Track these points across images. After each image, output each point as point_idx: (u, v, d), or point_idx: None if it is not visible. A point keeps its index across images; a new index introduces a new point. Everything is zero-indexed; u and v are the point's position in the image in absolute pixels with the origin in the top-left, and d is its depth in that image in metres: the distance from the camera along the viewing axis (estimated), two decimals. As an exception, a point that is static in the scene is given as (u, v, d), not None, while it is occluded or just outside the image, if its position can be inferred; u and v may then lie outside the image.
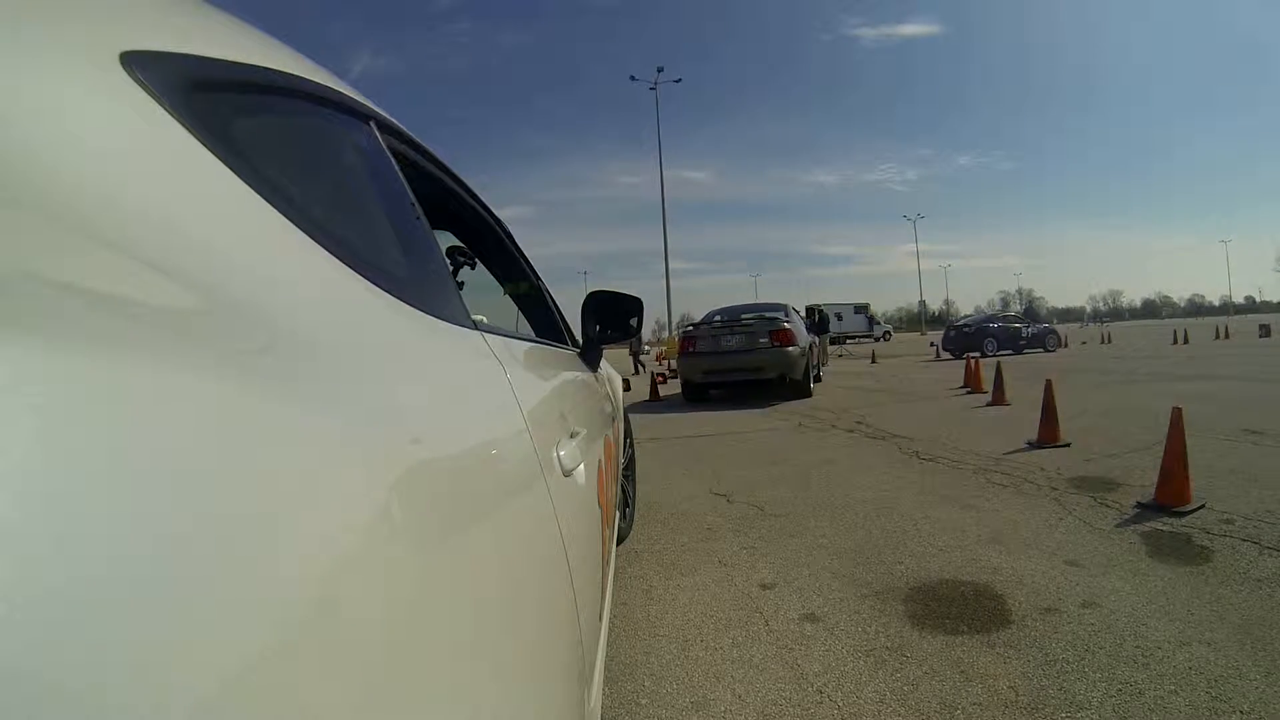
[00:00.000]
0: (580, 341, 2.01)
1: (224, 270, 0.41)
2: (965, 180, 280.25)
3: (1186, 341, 19.50)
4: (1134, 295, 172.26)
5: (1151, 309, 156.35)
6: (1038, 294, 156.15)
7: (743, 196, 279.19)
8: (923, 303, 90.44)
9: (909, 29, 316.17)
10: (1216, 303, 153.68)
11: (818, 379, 11.06)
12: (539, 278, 2.02)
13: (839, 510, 3.46)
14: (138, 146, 0.42)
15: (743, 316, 9.70)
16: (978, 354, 17.67)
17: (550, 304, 2.05)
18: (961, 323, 20.30)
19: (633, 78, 34.12)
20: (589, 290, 1.97)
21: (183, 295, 0.36)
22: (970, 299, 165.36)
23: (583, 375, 1.75)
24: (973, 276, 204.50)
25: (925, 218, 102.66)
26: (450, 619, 0.46)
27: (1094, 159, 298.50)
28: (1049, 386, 4.89)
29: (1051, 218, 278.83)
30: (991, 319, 19.99)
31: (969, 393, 8.52)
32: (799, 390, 9.17)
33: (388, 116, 0.96)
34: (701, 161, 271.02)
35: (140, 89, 0.43)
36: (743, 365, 8.99)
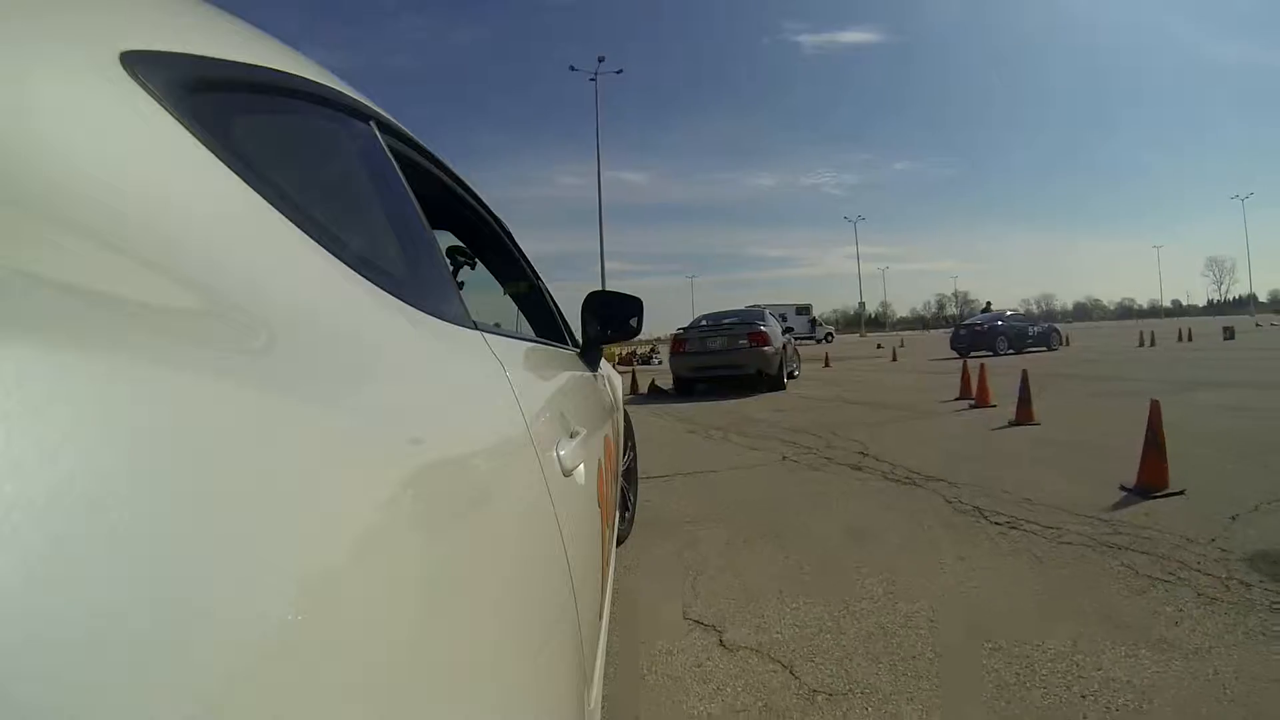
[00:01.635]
0: (580, 341, 2.00)
1: (224, 270, 0.41)
2: (902, 185, 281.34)
3: (1153, 344, 18.43)
4: (1066, 298, 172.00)
5: (1083, 311, 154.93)
6: (973, 296, 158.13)
7: (681, 199, 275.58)
8: (862, 304, 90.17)
9: (850, 36, 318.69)
10: (1145, 305, 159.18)
11: (792, 376, 12.42)
12: (539, 277, 2.01)
13: (944, 673, 1.81)
14: (137, 146, 0.41)
15: (724, 321, 11.12)
16: (989, 352, 17.05)
17: (550, 304, 2.04)
18: (973, 321, 19.14)
19: (572, 68, 33.25)
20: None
21: (183, 295, 0.36)
22: (907, 301, 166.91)
23: (583, 375, 1.74)
24: (909, 279, 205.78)
25: (865, 219, 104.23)
26: (450, 619, 0.45)
27: (1029, 166, 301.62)
28: (1155, 409, 3.46)
29: (987, 222, 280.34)
30: (999, 317, 18.96)
31: (972, 406, 7.12)
32: (774, 384, 10.49)
33: (388, 116, 0.95)
34: (640, 163, 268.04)
35: (140, 89, 0.43)
36: (725, 363, 10.39)
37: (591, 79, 32.33)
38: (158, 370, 0.29)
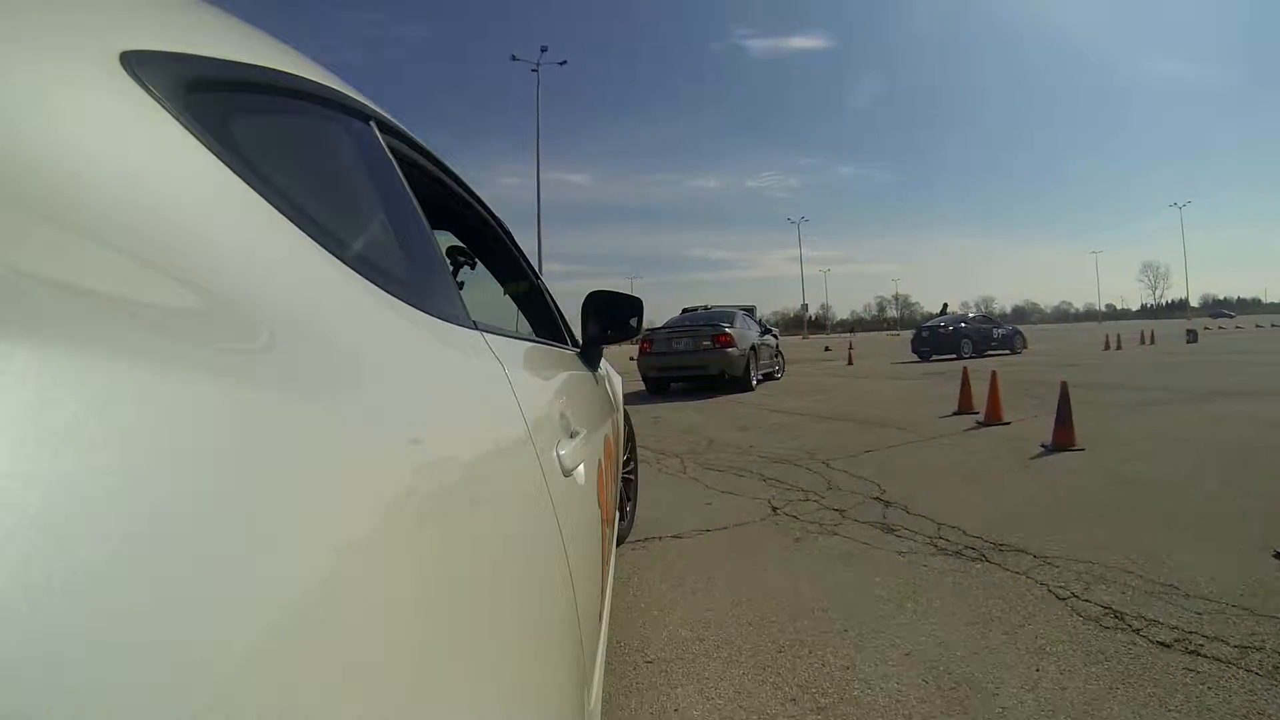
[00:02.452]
0: (580, 341, 2.00)
1: (224, 270, 0.41)
2: (845, 189, 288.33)
3: (1120, 347, 17.79)
4: (1005, 301, 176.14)
5: (1021, 315, 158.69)
6: (914, 299, 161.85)
7: (623, 200, 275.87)
8: (805, 306, 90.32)
9: (797, 41, 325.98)
10: (1081, 309, 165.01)
11: (772, 378, 12.63)
12: (539, 277, 2.00)
13: None
14: (137, 146, 0.41)
15: (691, 322, 11.41)
16: (953, 355, 16.12)
17: (550, 304, 2.03)
18: (935, 323, 17.62)
19: (514, 57, 31.94)
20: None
21: (183, 295, 0.36)
22: (847, 304, 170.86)
23: (583, 375, 1.73)
24: (850, 281, 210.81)
25: (809, 221, 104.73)
26: (450, 619, 0.45)
27: (970, 172, 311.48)
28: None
29: (928, 227, 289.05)
30: (963, 319, 17.78)
31: (981, 424, 5.79)
32: (739, 385, 10.50)
33: (388, 116, 0.94)
34: (582, 164, 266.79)
35: (140, 89, 0.43)
36: (688, 364, 10.48)
37: (533, 69, 31.32)
38: (158, 370, 0.29)
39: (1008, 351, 17.41)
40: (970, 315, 18.80)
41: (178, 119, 0.44)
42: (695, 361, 10.38)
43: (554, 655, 0.68)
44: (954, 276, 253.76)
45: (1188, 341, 19.61)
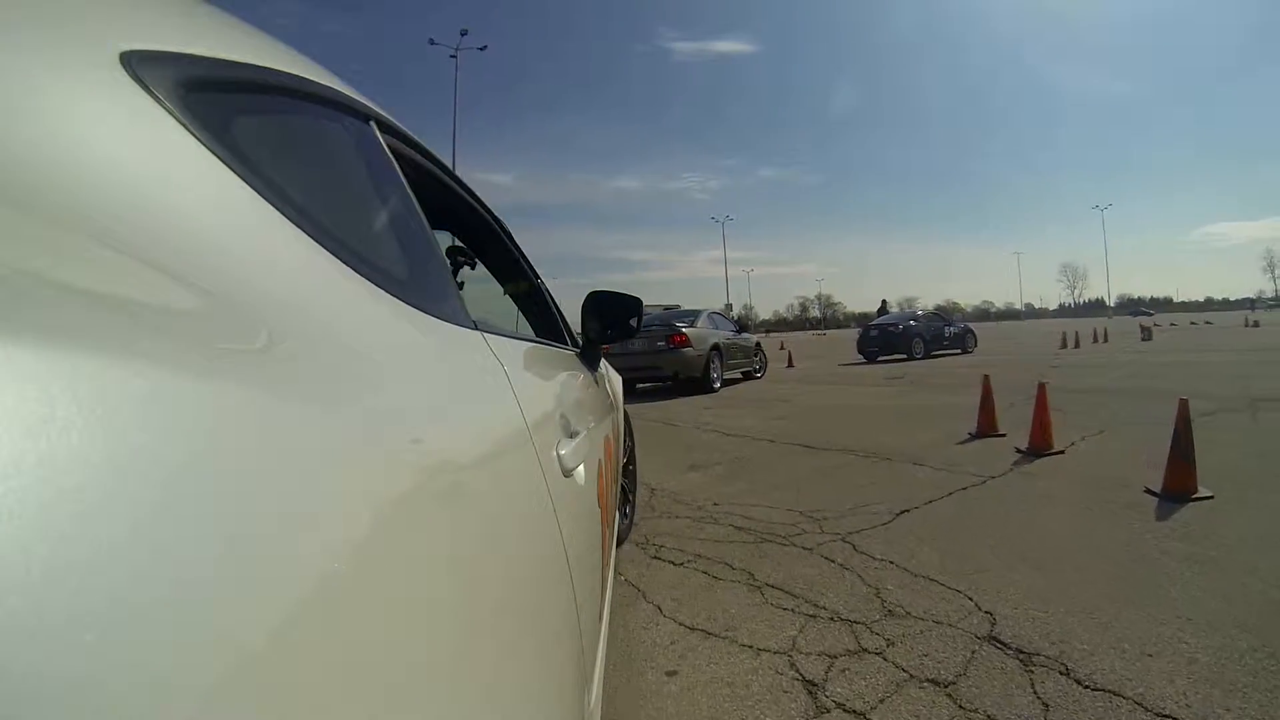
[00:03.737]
0: (580, 341, 1.98)
1: (224, 270, 0.40)
2: (767, 191, 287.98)
3: (1078, 346, 17.02)
4: (927, 301, 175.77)
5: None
6: (836, 299, 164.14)
7: (544, 200, 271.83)
8: (729, 305, 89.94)
9: (723, 45, 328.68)
10: (1002, 307, 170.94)
11: (753, 376, 12.58)
12: (539, 277, 1.99)
13: None
14: (137, 146, 0.41)
15: (651, 324, 10.74)
16: (903, 356, 15.04)
17: (550, 304, 2.02)
18: (885, 321, 16.28)
19: (432, 41, 30.44)
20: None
21: (183, 295, 0.36)
22: (769, 304, 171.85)
23: (583, 375, 1.72)
24: (772, 282, 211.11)
25: (733, 220, 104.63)
26: (450, 619, 0.45)
27: (892, 175, 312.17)
28: None
29: (849, 228, 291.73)
30: (913, 317, 16.54)
31: (1024, 452, 4.25)
32: (698, 387, 10.23)
33: (388, 116, 0.94)
34: (504, 165, 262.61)
35: (140, 89, 0.42)
36: (644, 364, 10.08)
37: (452, 55, 29.73)
38: (158, 370, 0.29)
39: (959, 351, 16.37)
40: (919, 313, 17.61)
41: (178, 119, 0.43)
42: (649, 363, 10.07)
43: (554, 655, 0.67)
44: (876, 277, 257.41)
45: (1142, 339, 18.94)
